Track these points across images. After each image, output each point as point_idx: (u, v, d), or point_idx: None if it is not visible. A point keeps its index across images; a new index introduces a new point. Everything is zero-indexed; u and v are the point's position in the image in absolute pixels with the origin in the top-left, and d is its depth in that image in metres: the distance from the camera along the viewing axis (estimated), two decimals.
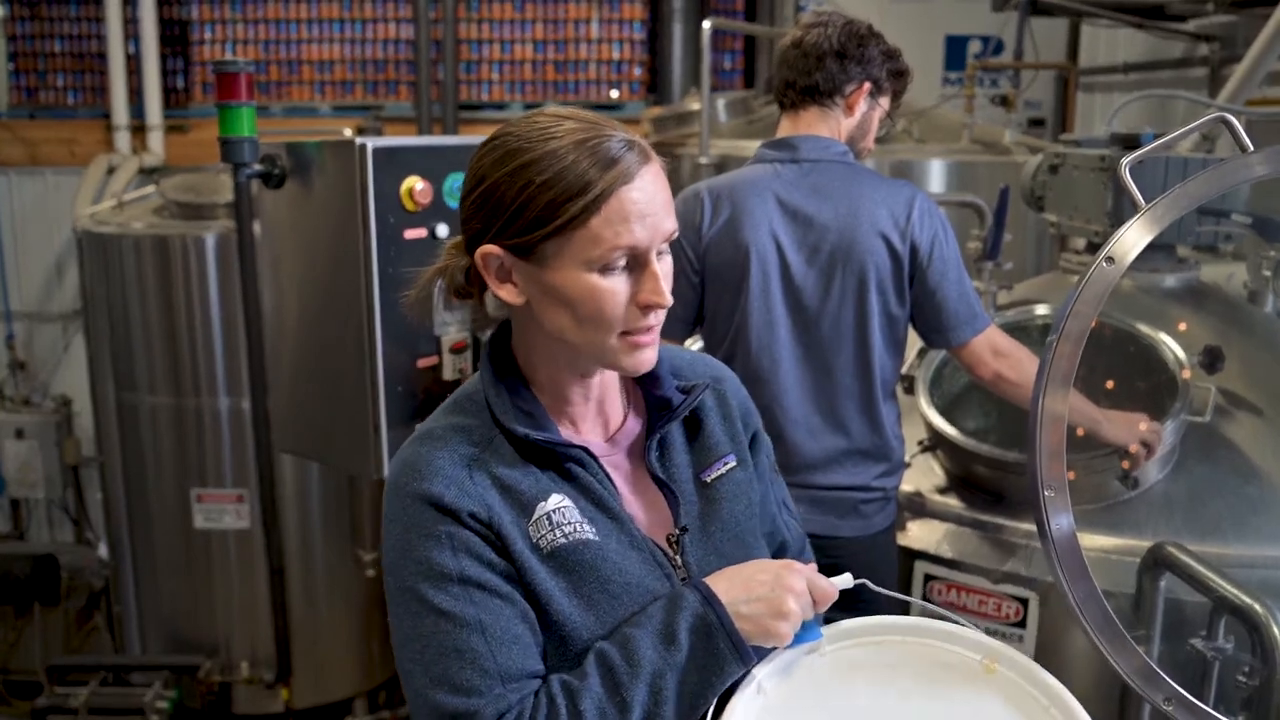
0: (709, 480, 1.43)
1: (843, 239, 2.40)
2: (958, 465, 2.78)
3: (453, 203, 2.61)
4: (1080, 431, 2.52)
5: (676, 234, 1.28)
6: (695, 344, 2.71)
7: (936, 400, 2.83)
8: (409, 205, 2.51)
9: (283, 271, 2.73)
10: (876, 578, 2.53)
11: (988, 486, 2.70)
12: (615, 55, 6.24)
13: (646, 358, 1.32)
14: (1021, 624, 2.55)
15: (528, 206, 1.23)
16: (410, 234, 2.53)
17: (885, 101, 2.52)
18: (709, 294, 2.54)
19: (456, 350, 2.63)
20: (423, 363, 2.60)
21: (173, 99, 6.24)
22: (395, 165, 2.50)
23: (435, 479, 1.27)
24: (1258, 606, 2.07)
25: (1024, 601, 2.55)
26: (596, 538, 1.30)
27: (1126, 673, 1.22)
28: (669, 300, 1.28)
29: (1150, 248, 3.06)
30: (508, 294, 1.29)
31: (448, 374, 2.63)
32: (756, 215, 2.46)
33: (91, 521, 6.22)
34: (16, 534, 6.38)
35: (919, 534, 2.71)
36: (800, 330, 2.47)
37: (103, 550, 5.77)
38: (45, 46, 6.33)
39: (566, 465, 1.33)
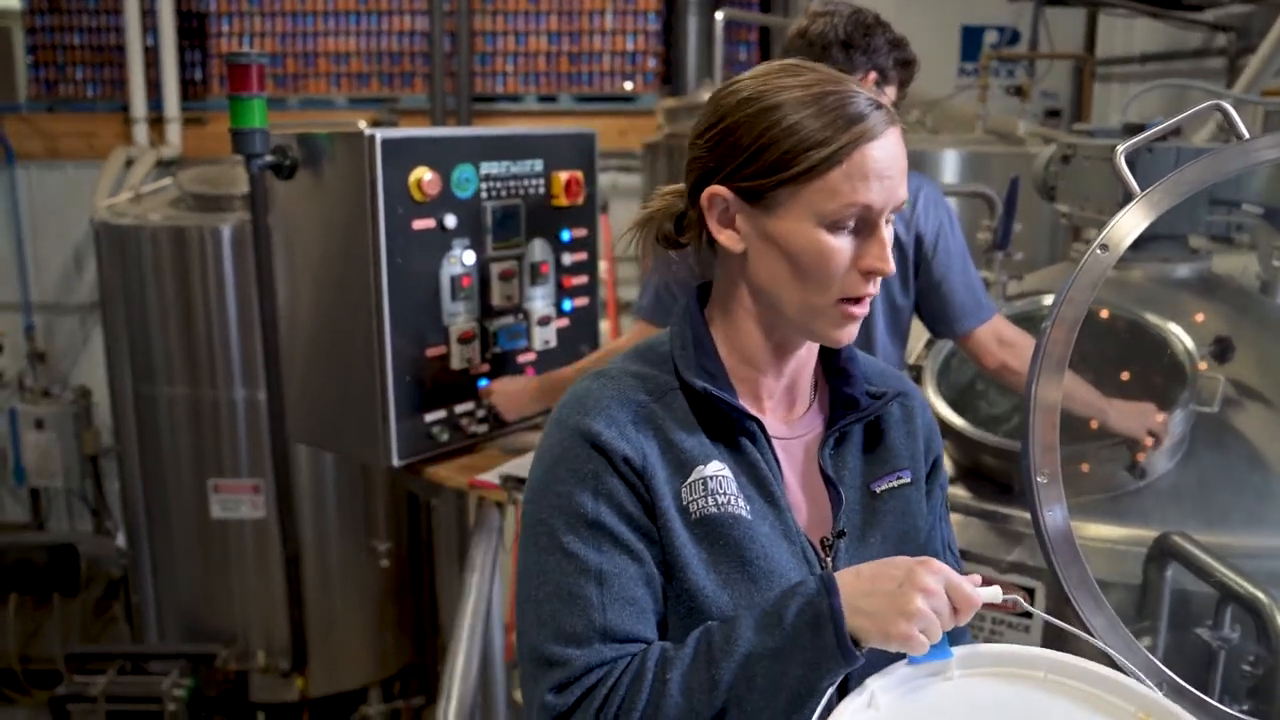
0: (878, 491, 1.36)
1: None
2: (965, 455, 2.77)
3: (461, 194, 2.62)
4: (1094, 424, 2.52)
5: (905, 204, 1.25)
6: None
7: (944, 390, 2.83)
8: (417, 196, 2.52)
9: (296, 263, 2.75)
10: None
11: (995, 476, 2.70)
12: (630, 47, 6.25)
13: (851, 331, 1.28)
14: (1028, 614, 2.55)
15: (767, 149, 1.19)
16: (419, 225, 2.54)
17: (892, 91, 2.52)
18: None
19: (464, 340, 2.64)
20: (431, 352, 2.62)
21: (190, 92, 6.28)
22: (404, 156, 2.52)
23: (598, 416, 1.23)
24: (1263, 596, 2.07)
25: (1031, 591, 2.54)
26: (749, 515, 1.25)
27: (1119, 658, 1.22)
28: (893, 268, 1.23)
29: (1161, 238, 3.08)
30: (728, 239, 1.25)
31: (455, 364, 2.65)
32: None
33: (110, 511, 6.28)
34: (36, 524, 6.45)
35: None
36: None
37: (121, 540, 5.82)
38: (64, 40, 6.38)
39: (739, 437, 1.28)
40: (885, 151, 1.19)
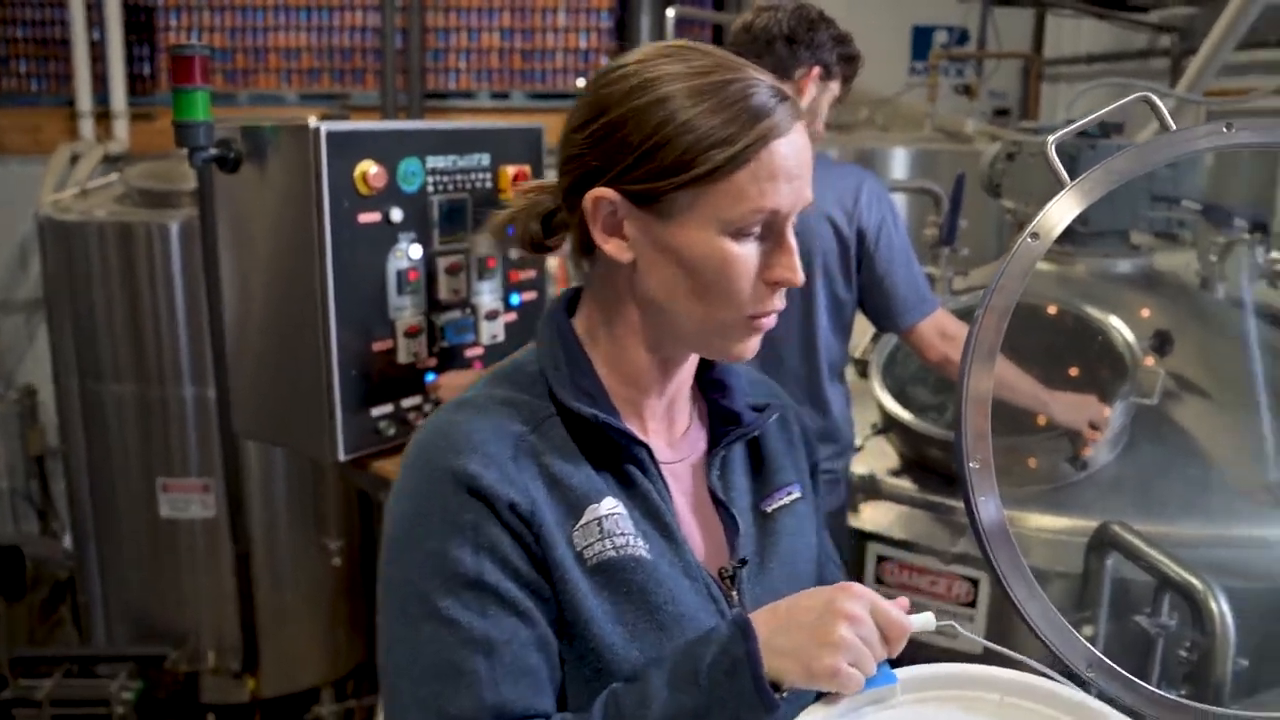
0: (769, 510, 1.26)
1: None
2: (910, 448, 2.81)
3: (407, 188, 2.61)
4: (1041, 420, 2.55)
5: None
6: None
7: (889, 384, 2.86)
8: (363, 189, 2.50)
9: (243, 257, 2.73)
10: None
11: (940, 469, 2.73)
12: (583, 44, 6.25)
13: (755, 346, 1.15)
14: (972, 604, 2.58)
15: (663, 148, 1.05)
16: (364, 218, 2.53)
17: (836, 86, 2.53)
18: None
19: (411, 334, 2.63)
20: (378, 346, 2.60)
21: (138, 86, 6.20)
22: (350, 149, 2.50)
23: (472, 455, 1.06)
24: (1199, 583, 2.11)
25: (974, 582, 2.58)
26: (649, 555, 1.11)
27: (1047, 639, 1.24)
28: (803, 279, 1.11)
29: (1104, 234, 3.12)
30: (614, 248, 1.10)
31: (402, 358, 2.63)
32: None
33: (57, 512, 6.18)
34: None
35: (872, 516, 2.74)
36: None
37: (67, 541, 5.73)
38: (7, 33, 6.27)
39: (625, 466, 1.14)
40: (793, 149, 1.08)
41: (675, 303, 1.11)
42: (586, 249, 1.15)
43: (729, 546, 1.20)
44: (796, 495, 1.29)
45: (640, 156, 1.06)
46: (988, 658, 1.15)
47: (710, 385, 1.27)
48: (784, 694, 1.00)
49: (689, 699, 1.00)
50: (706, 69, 1.08)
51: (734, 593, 1.18)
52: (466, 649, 1.03)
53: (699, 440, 1.25)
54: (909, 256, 2.50)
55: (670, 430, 1.23)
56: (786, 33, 2.44)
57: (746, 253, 1.08)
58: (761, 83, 1.08)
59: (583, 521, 1.09)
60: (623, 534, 1.10)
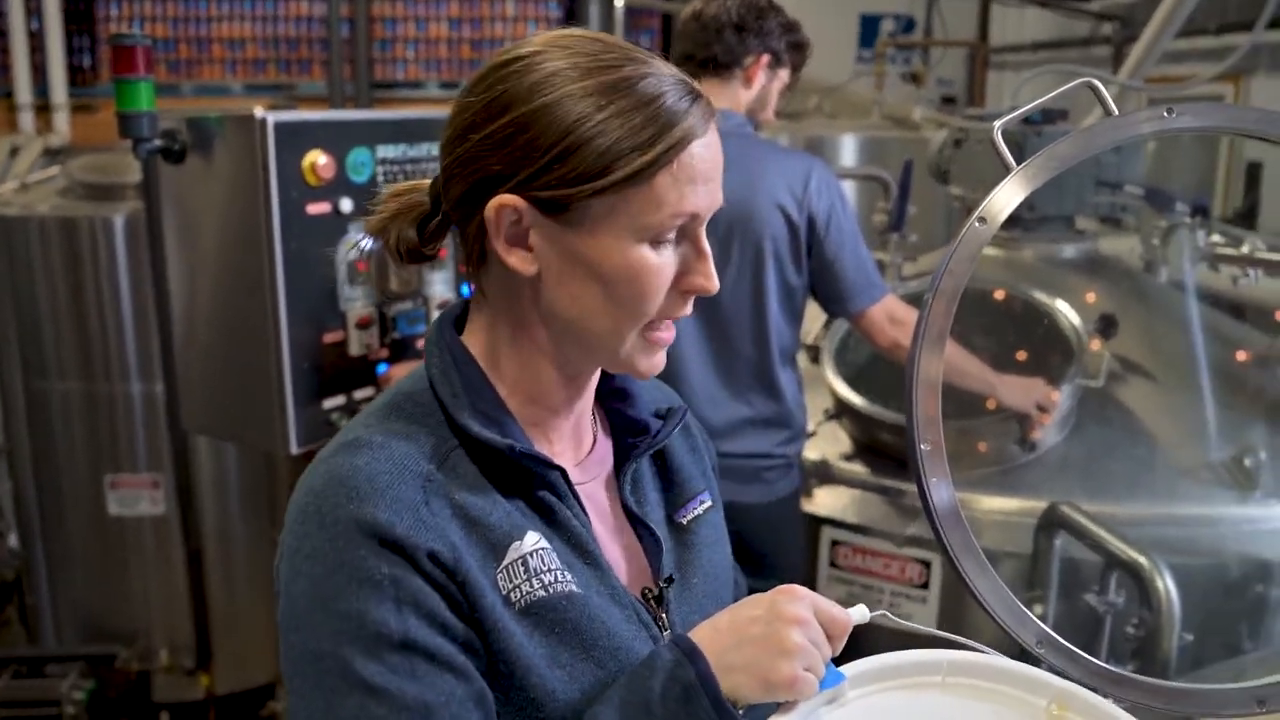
0: (684, 522, 1.19)
1: (740, 210, 2.43)
2: (863, 432, 2.83)
3: (357, 178, 2.59)
4: (990, 403, 2.59)
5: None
6: None
7: (842, 369, 2.89)
8: (311, 180, 2.48)
9: (190, 250, 2.70)
10: (781, 543, 2.60)
11: (892, 453, 2.76)
12: (531, 33, 6.23)
13: (661, 360, 1.08)
14: (925, 586, 2.61)
15: (576, 151, 0.96)
16: (313, 209, 2.51)
17: (785, 74, 2.55)
18: None
19: (362, 325, 2.62)
20: (329, 338, 2.58)
21: (79, 78, 6.11)
22: (297, 140, 2.48)
23: (381, 502, 0.95)
24: (1145, 561, 2.15)
25: (927, 564, 2.61)
26: (579, 589, 1.03)
27: (999, 618, 1.26)
28: (716, 286, 1.06)
29: (1050, 219, 3.16)
30: (518, 261, 1.01)
31: (354, 349, 2.62)
32: None
33: (2, 511, 6.08)
34: None
35: (825, 500, 2.76)
36: (699, 301, 2.48)
37: (14, 541, 5.64)
38: None
39: (539, 494, 1.05)
40: (710, 150, 1.01)
41: (584, 315, 1.03)
42: (479, 259, 1.05)
43: (650, 566, 1.13)
44: (708, 503, 1.23)
45: (551, 161, 0.97)
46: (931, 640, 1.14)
47: (611, 394, 1.19)
48: (740, 711, 0.96)
49: None
50: (614, 63, 0.99)
51: (662, 614, 1.11)
52: (402, 718, 0.92)
53: (606, 456, 1.17)
54: (858, 242, 2.52)
55: (578, 450, 1.15)
56: (735, 20, 2.45)
57: (664, 261, 1.01)
58: (672, 78, 1.01)
59: (506, 562, 1.00)
60: (549, 570, 1.01)
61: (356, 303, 2.62)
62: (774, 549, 2.50)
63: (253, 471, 4.71)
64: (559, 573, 1.02)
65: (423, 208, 1.11)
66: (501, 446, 1.02)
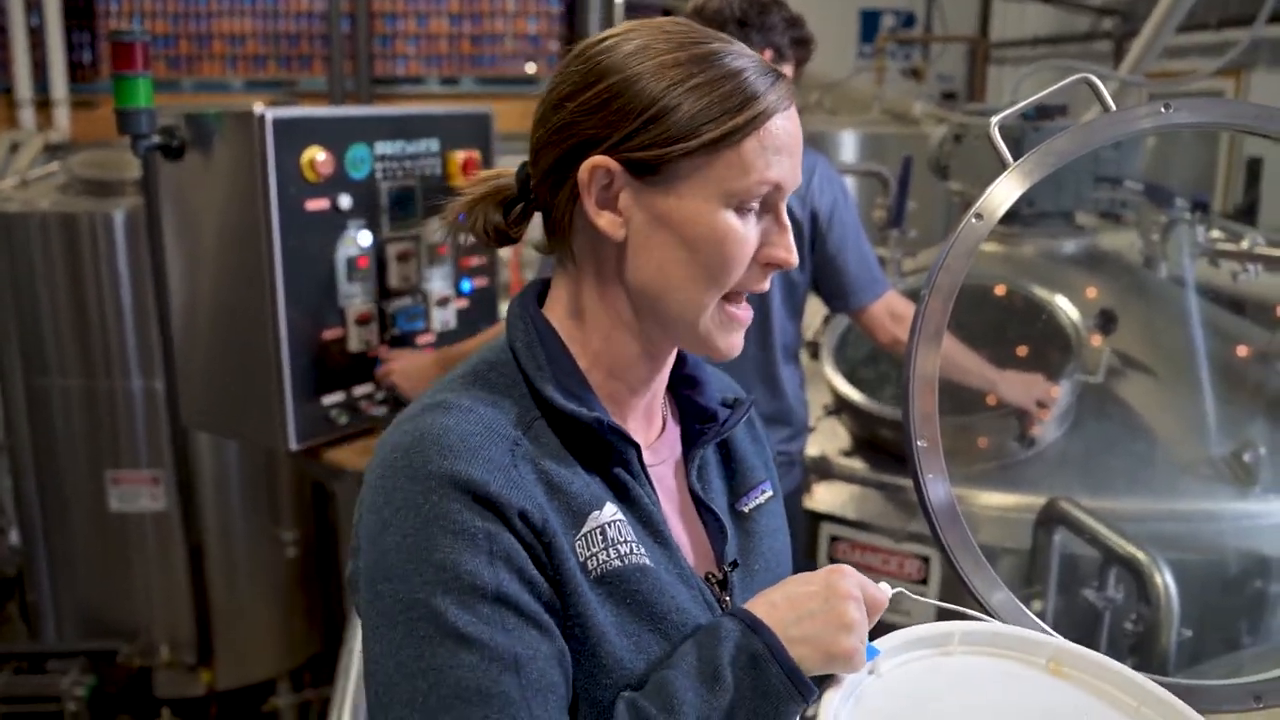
0: (746, 510, 1.21)
1: None
2: (862, 428, 2.83)
3: (355, 174, 2.59)
4: (989, 399, 2.58)
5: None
6: None
7: (841, 365, 2.89)
8: (310, 176, 2.48)
9: (190, 246, 2.70)
10: None
11: (891, 449, 2.76)
12: (532, 29, 6.22)
13: (738, 340, 1.09)
14: (924, 581, 2.61)
15: (670, 113, 0.99)
16: (312, 205, 2.51)
17: (789, 69, 2.55)
18: None
19: (362, 322, 2.62)
20: (328, 334, 2.59)
21: (79, 74, 6.10)
22: (296, 136, 2.48)
23: (473, 460, 0.97)
24: (1143, 556, 2.15)
25: (926, 560, 2.61)
26: (652, 564, 1.05)
27: (997, 614, 1.26)
28: (796, 260, 1.07)
29: (1050, 215, 3.16)
30: (607, 223, 1.03)
31: (353, 345, 2.62)
32: None
33: (3, 508, 6.08)
34: None
35: (825, 496, 2.76)
36: None
37: (15, 537, 5.65)
38: None
39: (614, 470, 1.06)
40: (793, 125, 1.05)
41: (668, 283, 1.04)
42: (567, 229, 1.07)
43: (714, 551, 1.16)
44: (770, 493, 1.25)
45: (645, 122, 1.00)
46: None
47: (682, 381, 1.20)
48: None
49: (718, 700, 0.96)
50: (702, 39, 1.04)
51: (726, 598, 1.13)
52: (493, 668, 0.93)
53: (675, 441, 1.19)
54: (860, 238, 2.52)
55: (649, 431, 1.17)
56: (738, 16, 2.44)
57: (748, 228, 1.03)
58: (755, 58, 1.05)
59: (585, 530, 1.02)
60: (626, 542, 1.03)
61: (356, 299, 2.62)
62: None
63: (253, 467, 4.71)
64: (633, 545, 1.04)
65: (509, 191, 1.13)
66: (589, 420, 1.04)
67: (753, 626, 0.99)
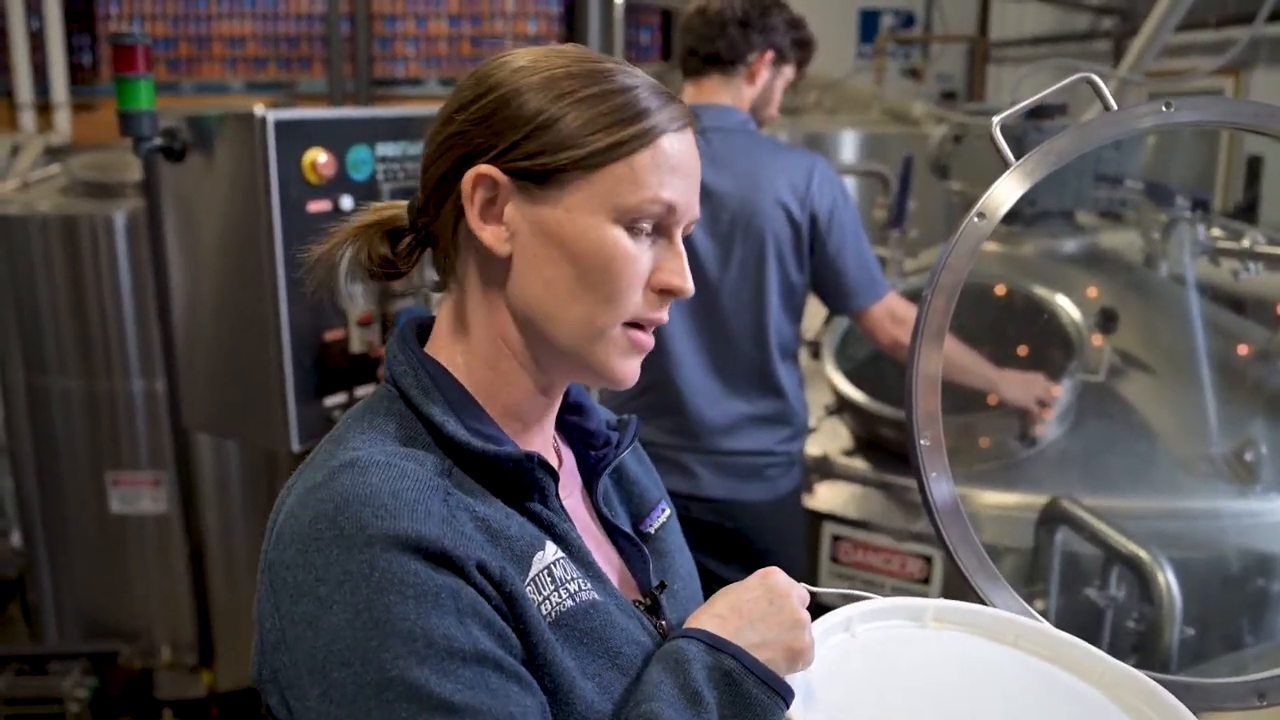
0: (652, 531, 1.18)
1: (742, 208, 2.43)
2: (864, 428, 2.83)
3: (357, 176, 2.59)
4: (991, 398, 2.59)
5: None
6: None
7: (842, 365, 2.89)
8: (311, 178, 2.49)
9: (191, 248, 2.70)
10: (783, 540, 2.60)
11: (893, 448, 2.76)
12: (532, 30, 6.23)
13: (635, 368, 1.04)
14: (926, 581, 2.61)
15: (560, 120, 0.96)
16: (314, 207, 2.51)
17: (789, 71, 2.55)
18: None
19: (364, 323, 2.62)
20: (330, 336, 2.59)
21: (79, 77, 6.11)
22: (297, 138, 2.48)
23: (415, 516, 0.88)
24: (1145, 555, 2.15)
25: (928, 559, 2.61)
26: (601, 597, 1.01)
27: (998, 610, 1.26)
28: (691, 288, 1.02)
29: (1051, 214, 3.16)
30: (491, 236, 0.98)
31: (355, 347, 2.62)
32: None
33: (4, 510, 6.09)
34: None
35: (826, 496, 2.76)
36: (698, 300, 2.48)
37: (16, 539, 5.65)
38: None
39: (535, 507, 1.01)
40: (690, 149, 1.02)
41: (554, 301, 0.98)
42: (448, 257, 1.04)
43: (634, 576, 1.12)
44: (668, 512, 1.22)
45: (533, 130, 0.96)
46: None
47: (566, 408, 1.16)
48: None
49: (705, 717, 0.94)
50: (596, 59, 1.02)
51: (660, 621, 1.09)
52: None
53: (574, 469, 1.15)
54: (860, 240, 2.51)
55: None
56: (740, 16, 2.44)
57: (639, 250, 0.99)
58: (651, 82, 1.02)
59: (533, 574, 0.96)
60: (573, 580, 0.99)
61: (357, 300, 2.63)
62: (776, 546, 2.50)
63: (254, 469, 4.71)
64: (580, 581, 0.99)
65: (399, 221, 1.08)
66: (517, 457, 0.98)
67: (714, 644, 0.98)
